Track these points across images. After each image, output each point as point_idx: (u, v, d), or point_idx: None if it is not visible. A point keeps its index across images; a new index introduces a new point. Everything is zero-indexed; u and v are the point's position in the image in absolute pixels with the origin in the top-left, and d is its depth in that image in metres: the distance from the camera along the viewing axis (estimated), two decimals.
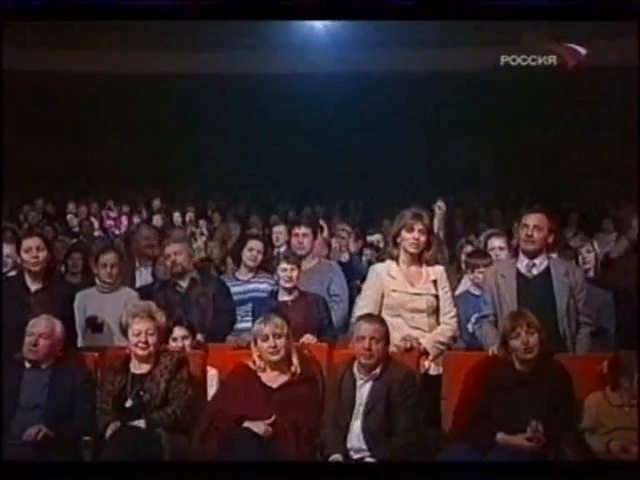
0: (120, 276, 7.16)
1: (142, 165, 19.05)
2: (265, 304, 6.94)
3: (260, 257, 7.50)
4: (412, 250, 5.99)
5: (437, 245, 7.47)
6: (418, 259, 6.05)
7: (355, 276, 7.98)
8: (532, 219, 6.05)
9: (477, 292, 6.80)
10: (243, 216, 14.77)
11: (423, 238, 6.00)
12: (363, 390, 5.52)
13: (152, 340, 5.77)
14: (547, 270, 6.06)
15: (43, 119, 18.23)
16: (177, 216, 14.33)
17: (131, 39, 17.69)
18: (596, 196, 16.79)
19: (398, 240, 6.06)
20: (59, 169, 18.81)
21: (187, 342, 6.32)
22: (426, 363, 5.94)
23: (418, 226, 5.97)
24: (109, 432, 5.55)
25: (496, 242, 7.40)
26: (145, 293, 7.01)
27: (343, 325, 7.17)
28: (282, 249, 7.99)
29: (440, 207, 8.85)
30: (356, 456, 5.42)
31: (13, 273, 7.11)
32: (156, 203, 15.37)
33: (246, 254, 7.48)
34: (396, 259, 6.08)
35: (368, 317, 5.67)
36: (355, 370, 5.57)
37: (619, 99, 13.84)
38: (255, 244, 7.55)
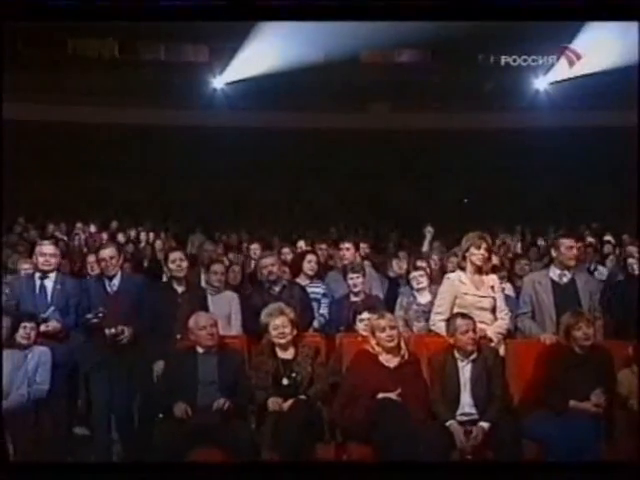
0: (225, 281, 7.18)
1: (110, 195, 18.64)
2: (340, 305, 7.19)
3: (316, 267, 7.63)
4: (479, 263, 6.37)
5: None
6: (479, 270, 6.39)
7: None
8: (565, 242, 6.58)
9: None
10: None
11: (487, 254, 6.38)
12: (466, 369, 5.85)
13: (287, 330, 5.98)
14: (572, 279, 6.57)
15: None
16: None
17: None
18: None
19: (466, 255, 6.40)
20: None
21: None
22: None
23: (484, 245, 6.36)
24: (271, 405, 5.70)
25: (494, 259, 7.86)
26: (245, 296, 7.12)
27: None
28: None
29: (430, 231, 9.14)
30: (465, 418, 5.70)
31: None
32: (114, 224, 14.99)
33: (306, 265, 7.59)
34: (464, 269, 6.40)
35: (463, 315, 5.99)
36: (456, 354, 5.88)
37: None
38: (312, 257, 7.70)
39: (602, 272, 10.36)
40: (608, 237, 13.57)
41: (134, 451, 6.24)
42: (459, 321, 5.90)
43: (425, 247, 9.19)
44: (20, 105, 16.23)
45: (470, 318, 5.93)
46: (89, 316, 6.26)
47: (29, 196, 16.72)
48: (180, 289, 6.66)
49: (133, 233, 14.17)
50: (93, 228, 14.35)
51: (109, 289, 6.48)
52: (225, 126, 18.71)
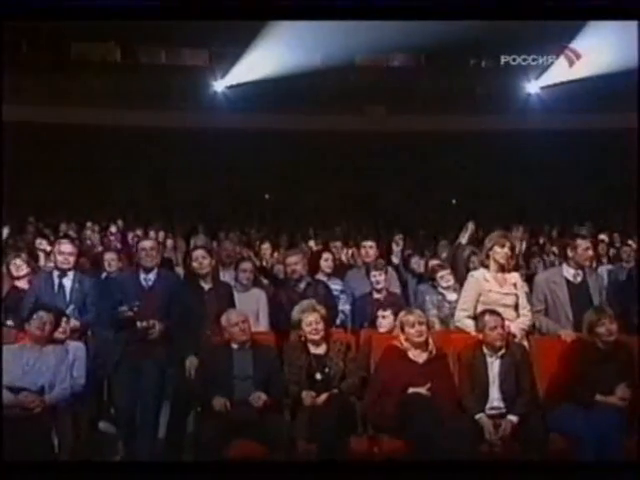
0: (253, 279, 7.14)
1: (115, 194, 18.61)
2: (362, 301, 7.23)
3: (332, 265, 7.64)
4: (502, 261, 6.39)
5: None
6: (502, 268, 6.40)
7: None
8: (582, 243, 6.64)
9: None
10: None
11: (510, 252, 6.40)
12: (495, 364, 5.86)
13: (320, 327, 6.00)
14: (584, 278, 6.63)
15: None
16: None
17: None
18: None
19: (490, 253, 6.40)
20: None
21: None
22: None
23: (507, 244, 6.38)
24: (307, 399, 5.72)
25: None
26: (271, 294, 7.10)
27: None
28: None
29: (472, 228, 9.11)
30: (494, 412, 5.69)
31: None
32: (120, 223, 14.88)
33: (323, 263, 7.59)
34: (487, 267, 6.41)
35: (491, 312, 5.99)
36: (485, 350, 5.90)
37: None
38: (329, 255, 7.72)
39: (604, 270, 10.38)
40: (602, 236, 13.59)
41: (162, 447, 6.20)
42: (487, 317, 5.91)
43: (464, 240, 9.12)
44: (22, 107, 16.27)
45: (498, 314, 5.94)
46: (123, 308, 6.15)
47: (37, 197, 16.65)
48: (206, 286, 6.57)
49: (140, 232, 14.05)
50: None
51: (144, 283, 6.39)
52: (225, 128, 18.72)
